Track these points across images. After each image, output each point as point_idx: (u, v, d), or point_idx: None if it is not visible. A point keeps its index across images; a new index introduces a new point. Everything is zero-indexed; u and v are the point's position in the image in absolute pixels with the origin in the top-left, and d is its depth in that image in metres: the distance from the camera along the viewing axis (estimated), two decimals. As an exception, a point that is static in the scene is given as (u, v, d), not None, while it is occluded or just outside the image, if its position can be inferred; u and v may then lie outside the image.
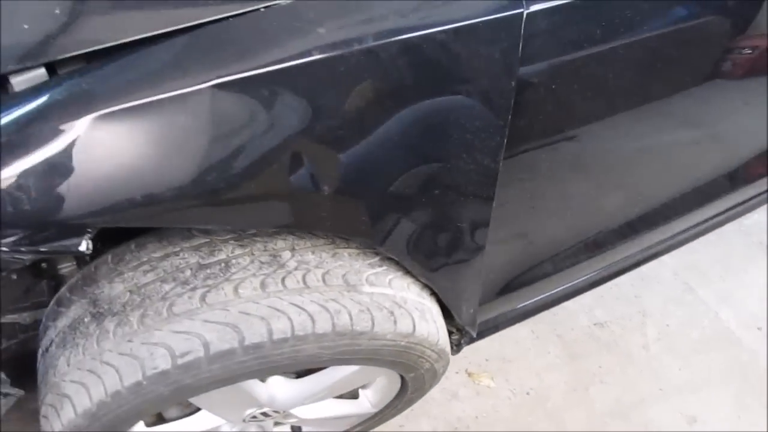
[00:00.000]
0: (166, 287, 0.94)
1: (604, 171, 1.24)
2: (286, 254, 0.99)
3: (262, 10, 0.79)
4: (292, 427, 1.37)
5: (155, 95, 0.72)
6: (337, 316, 0.97)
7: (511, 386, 1.65)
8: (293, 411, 1.24)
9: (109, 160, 0.72)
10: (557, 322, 1.50)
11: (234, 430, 1.25)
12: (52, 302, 1.05)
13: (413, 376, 1.19)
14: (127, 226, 0.77)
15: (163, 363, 0.90)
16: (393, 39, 0.79)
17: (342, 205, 0.90)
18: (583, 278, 1.43)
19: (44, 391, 0.99)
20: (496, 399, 1.61)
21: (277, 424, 1.30)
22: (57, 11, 0.73)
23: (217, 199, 0.79)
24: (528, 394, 1.64)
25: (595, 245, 1.40)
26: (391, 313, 1.03)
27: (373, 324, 1.00)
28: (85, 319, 0.97)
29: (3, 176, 0.69)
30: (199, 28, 0.75)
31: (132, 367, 0.91)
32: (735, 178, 1.58)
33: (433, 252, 1.07)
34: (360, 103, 0.83)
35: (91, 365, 0.93)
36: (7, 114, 0.70)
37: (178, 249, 0.97)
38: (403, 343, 1.06)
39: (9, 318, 1.13)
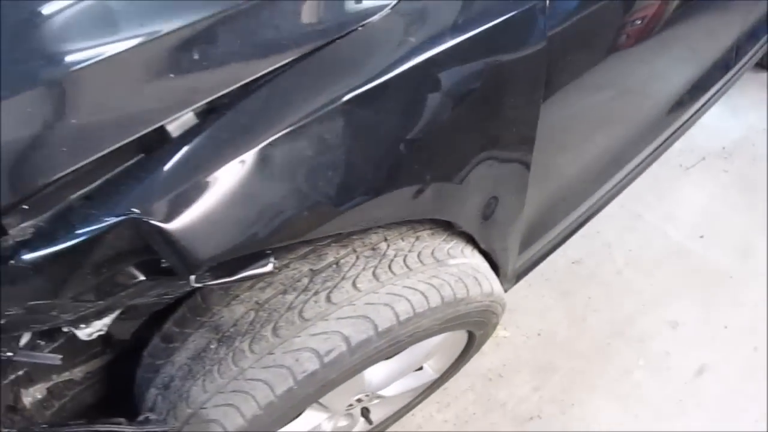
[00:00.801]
0: (289, 297, 0.99)
1: (616, 101, 1.39)
2: (383, 245, 1.07)
3: (360, 29, 0.85)
4: (362, 411, 1.45)
5: (303, 118, 0.78)
6: (442, 289, 1.06)
7: (522, 332, 1.81)
8: (379, 392, 1.31)
9: (280, 182, 0.77)
10: (541, 268, 1.68)
11: (328, 428, 1.31)
12: (155, 340, 1.07)
13: (483, 333, 1.31)
14: (296, 241, 0.83)
15: (312, 365, 0.96)
16: (464, 37, 0.88)
17: (444, 191, 0.99)
18: (591, 204, 1.60)
19: (174, 424, 1.01)
20: (514, 346, 1.77)
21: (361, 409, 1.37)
22: (196, 56, 0.76)
23: (368, 203, 0.86)
24: (539, 335, 1.81)
25: (603, 172, 1.57)
26: (475, 278, 1.14)
27: (467, 290, 1.11)
28: (212, 346, 1.00)
29: (193, 216, 0.72)
30: (316, 52, 0.81)
31: (281, 376, 0.95)
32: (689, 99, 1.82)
33: (491, 217, 1.18)
34: (452, 96, 0.92)
35: (235, 385, 0.96)
36: (180, 159, 0.73)
37: (286, 261, 1.02)
38: (486, 303, 1.17)
39: (63, 377, 1.12)
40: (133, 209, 0.69)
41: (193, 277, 0.72)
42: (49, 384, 1.09)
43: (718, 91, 1.98)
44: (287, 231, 0.78)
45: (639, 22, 1.28)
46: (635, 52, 1.32)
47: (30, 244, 0.71)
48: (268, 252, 0.79)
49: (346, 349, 0.96)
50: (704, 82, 1.86)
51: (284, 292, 0.99)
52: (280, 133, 0.76)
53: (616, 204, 2.00)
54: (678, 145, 2.14)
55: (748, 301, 1.90)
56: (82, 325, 0.81)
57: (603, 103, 1.34)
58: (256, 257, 0.78)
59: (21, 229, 0.72)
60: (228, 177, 0.73)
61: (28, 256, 0.69)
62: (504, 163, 1.10)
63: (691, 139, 2.38)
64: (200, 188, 0.72)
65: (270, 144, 0.75)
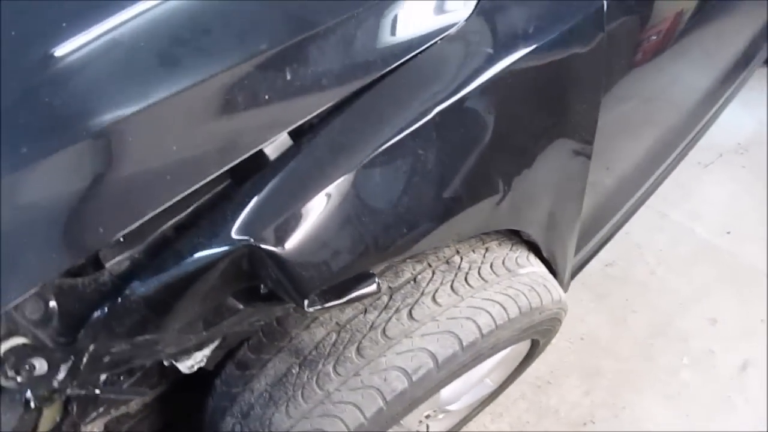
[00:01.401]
0: (371, 316, 0.97)
1: (657, 99, 1.39)
2: (456, 258, 1.05)
3: (438, 42, 0.84)
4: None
5: (398, 134, 0.76)
6: (518, 299, 1.05)
7: (566, 337, 1.79)
8: (447, 407, 1.29)
9: (382, 201, 0.76)
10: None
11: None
12: (229, 368, 1.04)
13: (545, 341, 1.29)
14: (399, 259, 0.81)
15: (400, 384, 0.93)
16: (538, 44, 0.87)
17: (519, 199, 0.98)
18: (632, 203, 1.59)
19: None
20: (559, 351, 1.75)
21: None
22: (288, 77, 0.74)
23: (459, 216, 0.84)
24: (582, 339, 1.79)
25: (645, 170, 1.57)
26: (545, 286, 1.12)
27: (541, 299, 1.09)
28: (293, 371, 0.97)
29: (303, 239, 0.70)
30: (400, 67, 0.79)
31: (370, 397, 0.93)
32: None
33: (555, 222, 1.17)
34: (528, 103, 0.91)
35: (322, 410, 0.94)
36: (283, 182, 0.71)
37: (362, 281, 1.00)
38: (555, 310, 1.16)
39: (120, 410, 1.10)
40: (245, 236, 0.67)
41: (306, 302, 0.70)
42: (107, 419, 1.06)
43: (738, 85, 1.99)
44: (391, 250, 0.77)
45: (677, 22, 1.28)
46: (673, 51, 1.31)
47: (135, 276, 0.69)
48: (372, 273, 0.77)
49: (433, 366, 0.94)
50: (729, 77, 1.87)
51: (365, 312, 0.97)
52: (378, 151, 0.74)
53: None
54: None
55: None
56: (184, 358, 0.78)
57: (646, 102, 1.34)
58: (360, 278, 0.76)
59: (117, 262, 0.70)
60: (332, 198, 0.71)
61: (140, 289, 0.67)
62: (567, 166, 1.09)
63: (707, 137, 2.38)
64: (307, 211, 0.70)
65: (369, 162, 0.74)
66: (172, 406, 1.13)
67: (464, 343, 0.96)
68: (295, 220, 0.69)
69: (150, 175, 0.65)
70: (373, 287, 0.76)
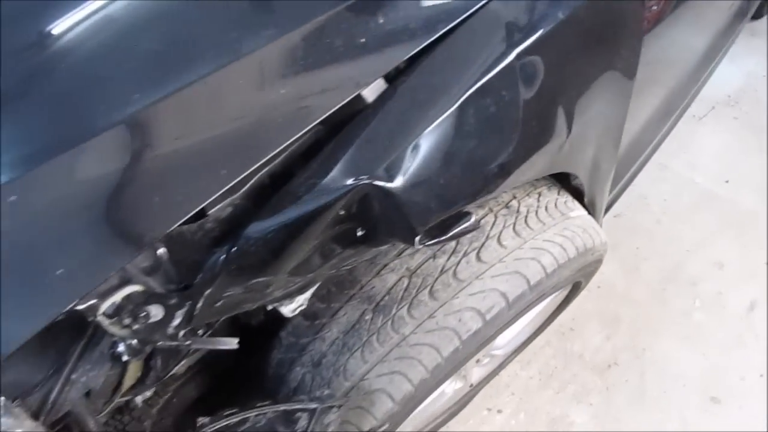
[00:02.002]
0: (440, 261, 0.99)
1: (679, 46, 1.43)
2: (514, 203, 1.07)
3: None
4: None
5: (484, 74, 0.78)
6: (574, 240, 1.08)
7: (583, 286, 1.84)
8: (493, 351, 1.33)
9: (477, 140, 0.77)
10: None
11: (449, 390, 1.31)
12: (296, 320, 1.05)
13: (586, 283, 1.33)
14: (490, 197, 0.82)
15: (475, 324, 0.96)
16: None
17: (575, 142, 1.00)
18: (652, 147, 1.64)
19: (327, 400, 1.00)
20: (578, 300, 1.79)
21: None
22: (381, 21, 0.74)
23: (534, 157, 0.86)
24: (599, 287, 1.84)
25: (665, 114, 1.62)
26: (593, 228, 1.16)
27: (593, 240, 1.12)
28: (366, 317, 0.99)
29: (413, 177, 0.71)
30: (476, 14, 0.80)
31: (446, 337, 0.96)
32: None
33: (598, 166, 1.20)
34: (586, 47, 0.93)
35: (399, 352, 0.96)
36: (387, 123, 0.72)
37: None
38: (602, 251, 1.20)
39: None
40: (361, 175, 0.68)
41: (417, 238, 0.72)
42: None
43: (732, 39, 2.05)
44: (486, 187, 0.79)
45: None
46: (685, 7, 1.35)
47: (240, 221, 0.69)
48: (468, 211, 0.79)
49: (505, 305, 0.97)
50: (728, 29, 1.92)
51: (434, 257, 0.99)
52: (470, 91, 0.76)
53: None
54: None
55: (780, 234, 1.99)
56: (287, 302, 0.79)
57: (671, 47, 1.37)
58: (459, 216, 0.77)
59: (219, 209, 0.70)
60: (434, 137, 0.73)
61: (257, 232, 0.67)
62: (610, 110, 1.11)
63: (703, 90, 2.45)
64: (413, 150, 0.71)
65: (464, 102, 0.75)
66: (211, 369, 1.13)
67: (531, 283, 0.99)
68: (404, 159, 0.70)
69: (264, 121, 0.66)
70: (471, 222, 0.78)
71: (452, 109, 0.74)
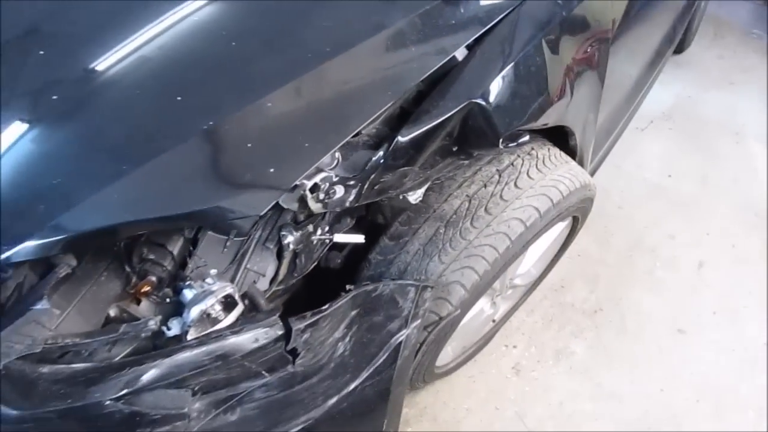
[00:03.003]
0: (489, 188, 1.40)
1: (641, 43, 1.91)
2: (533, 152, 1.48)
3: None
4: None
5: (529, 43, 1.22)
6: (578, 177, 1.49)
7: (567, 255, 2.26)
8: (515, 280, 1.73)
9: (530, 81, 1.20)
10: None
11: (487, 309, 1.70)
12: (382, 242, 1.42)
13: (583, 219, 1.74)
14: (530, 126, 1.25)
15: (519, 228, 1.36)
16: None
17: (578, 102, 1.44)
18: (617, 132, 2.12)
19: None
20: (565, 265, 2.21)
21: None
22: (462, 10, 1.18)
23: (557, 104, 1.30)
24: (579, 255, 2.27)
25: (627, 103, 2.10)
26: (584, 173, 1.59)
27: (587, 180, 1.55)
28: (440, 231, 1.37)
29: (499, 101, 1.13)
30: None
31: (500, 238, 1.35)
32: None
33: (585, 128, 1.63)
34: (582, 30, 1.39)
35: (467, 253, 1.35)
36: (474, 69, 1.15)
37: (477, 168, 1.42)
38: (593, 191, 1.62)
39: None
40: (471, 98, 1.09)
41: (501, 144, 1.13)
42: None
43: (662, 65, 2.59)
44: (533, 116, 1.21)
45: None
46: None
47: (388, 134, 1.10)
48: (524, 131, 1.20)
49: (538, 216, 1.38)
50: (663, 49, 2.46)
51: (485, 185, 1.39)
52: (524, 52, 1.19)
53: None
54: None
55: (716, 213, 2.48)
56: (411, 193, 1.18)
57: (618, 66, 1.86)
58: (519, 134, 1.19)
59: (368, 128, 1.10)
60: (504, 80, 1.15)
61: (405, 137, 1.07)
62: (592, 94, 1.56)
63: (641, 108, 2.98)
64: (493, 87, 1.14)
65: (522, 57, 1.18)
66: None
67: (554, 201, 1.40)
68: (489, 91, 1.12)
69: (400, 72, 1.07)
70: (527, 138, 1.20)
71: (510, 66, 1.17)
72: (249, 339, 1.03)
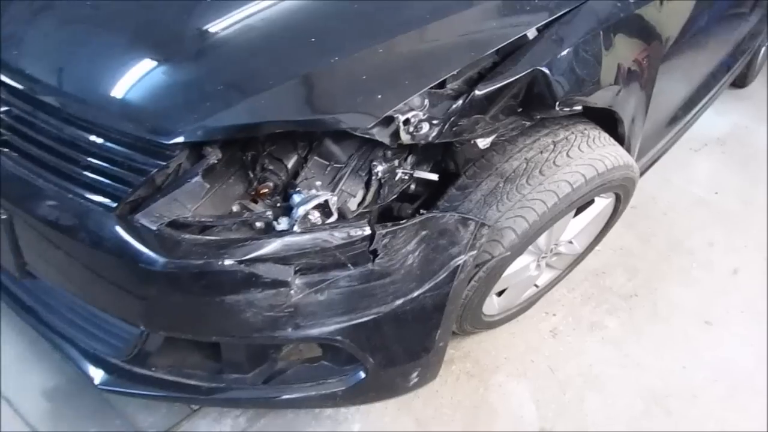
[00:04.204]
0: (545, 155, 1.63)
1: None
2: (586, 131, 1.72)
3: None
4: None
5: (594, 28, 1.47)
6: (619, 156, 1.73)
7: (608, 247, 2.46)
8: (560, 247, 1.95)
9: (585, 62, 1.45)
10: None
11: (533, 270, 1.93)
12: (450, 191, 1.66)
13: (625, 199, 1.94)
14: (586, 98, 1.49)
15: (566, 189, 1.59)
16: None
17: (624, 97, 1.68)
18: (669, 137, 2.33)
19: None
20: (606, 255, 2.42)
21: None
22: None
23: (605, 88, 1.54)
24: (621, 249, 2.46)
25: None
26: (628, 156, 1.81)
27: (628, 159, 1.78)
28: (500, 185, 1.62)
29: (559, 69, 1.39)
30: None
31: (550, 195, 1.59)
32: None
33: (632, 122, 1.85)
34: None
35: (521, 204, 1.58)
36: (543, 45, 1.41)
37: (537, 137, 1.67)
38: (635, 171, 1.82)
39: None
40: (535, 65, 1.35)
41: (558, 107, 1.38)
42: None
43: (714, 93, 2.77)
44: (587, 92, 1.46)
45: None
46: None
47: (470, 88, 1.36)
48: (575, 100, 1.45)
49: (584, 181, 1.61)
50: (718, 74, 2.65)
51: (541, 152, 1.64)
52: (580, 40, 1.44)
53: (650, 172, 2.71)
54: (685, 136, 2.89)
55: (755, 229, 2.63)
56: (481, 140, 1.44)
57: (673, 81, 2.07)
58: (574, 102, 1.44)
59: (451, 84, 1.37)
60: (566, 57, 1.41)
61: (482, 90, 1.34)
62: (640, 92, 1.79)
63: (693, 133, 3.12)
64: (557, 60, 1.39)
65: (576, 46, 1.43)
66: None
67: (598, 171, 1.63)
68: (554, 63, 1.38)
69: (486, 37, 1.34)
70: (580, 109, 1.44)
71: (570, 48, 1.42)
72: (342, 233, 1.30)
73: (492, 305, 1.92)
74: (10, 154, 1.38)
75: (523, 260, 1.83)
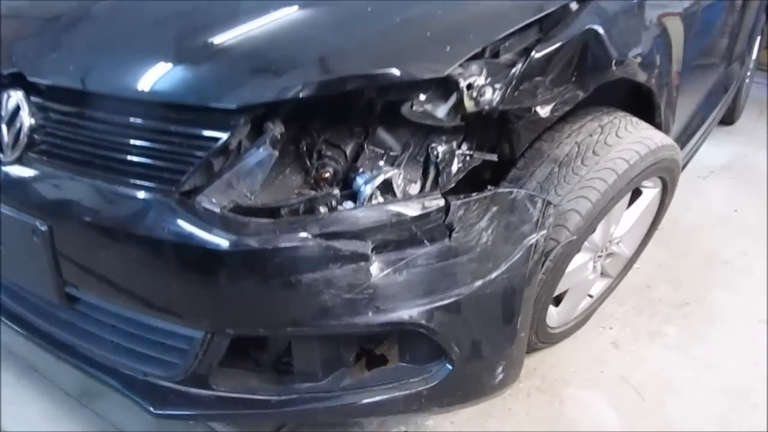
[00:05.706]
0: (595, 137, 1.60)
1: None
2: (628, 117, 1.71)
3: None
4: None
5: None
6: (657, 137, 1.70)
7: (650, 263, 2.38)
8: (613, 247, 1.87)
9: (626, 43, 1.45)
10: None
11: (590, 268, 1.83)
12: (502, 185, 1.61)
13: (672, 184, 1.88)
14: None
15: (623, 166, 1.55)
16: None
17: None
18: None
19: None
20: (648, 270, 2.32)
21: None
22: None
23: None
24: (661, 264, 2.39)
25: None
26: (667, 137, 1.78)
27: (670, 142, 1.74)
28: (554, 170, 1.56)
29: (605, 34, 1.38)
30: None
31: (609, 173, 1.53)
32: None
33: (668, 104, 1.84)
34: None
35: (580, 184, 1.52)
36: (587, 13, 1.41)
37: (583, 122, 1.64)
38: (676, 153, 1.78)
39: None
40: (587, 28, 1.34)
41: (614, 66, 1.36)
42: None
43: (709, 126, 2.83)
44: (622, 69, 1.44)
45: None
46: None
47: (523, 56, 1.33)
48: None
49: (638, 158, 1.57)
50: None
51: (590, 135, 1.60)
52: (626, 6, 1.45)
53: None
54: (689, 166, 2.89)
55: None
56: (539, 107, 1.39)
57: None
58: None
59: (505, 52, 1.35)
60: (612, 20, 1.40)
61: (537, 54, 1.31)
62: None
63: (695, 164, 3.11)
64: (606, 23, 1.39)
65: (622, 12, 1.44)
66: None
67: (641, 154, 1.59)
68: (603, 24, 1.37)
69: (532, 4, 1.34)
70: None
71: (614, 13, 1.42)
72: (417, 204, 1.23)
73: (552, 316, 1.81)
74: (51, 161, 1.31)
75: (581, 258, 1.74)
